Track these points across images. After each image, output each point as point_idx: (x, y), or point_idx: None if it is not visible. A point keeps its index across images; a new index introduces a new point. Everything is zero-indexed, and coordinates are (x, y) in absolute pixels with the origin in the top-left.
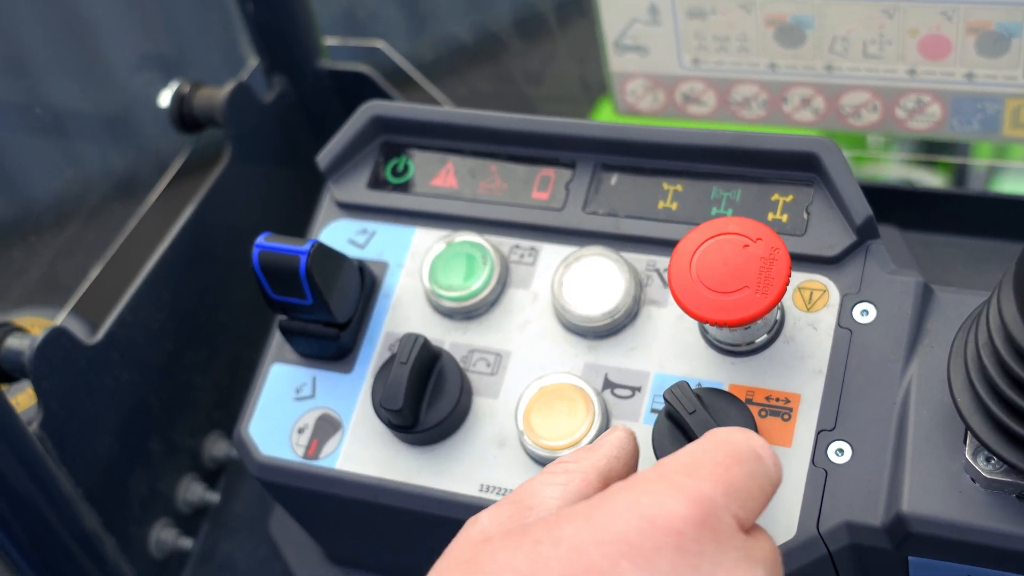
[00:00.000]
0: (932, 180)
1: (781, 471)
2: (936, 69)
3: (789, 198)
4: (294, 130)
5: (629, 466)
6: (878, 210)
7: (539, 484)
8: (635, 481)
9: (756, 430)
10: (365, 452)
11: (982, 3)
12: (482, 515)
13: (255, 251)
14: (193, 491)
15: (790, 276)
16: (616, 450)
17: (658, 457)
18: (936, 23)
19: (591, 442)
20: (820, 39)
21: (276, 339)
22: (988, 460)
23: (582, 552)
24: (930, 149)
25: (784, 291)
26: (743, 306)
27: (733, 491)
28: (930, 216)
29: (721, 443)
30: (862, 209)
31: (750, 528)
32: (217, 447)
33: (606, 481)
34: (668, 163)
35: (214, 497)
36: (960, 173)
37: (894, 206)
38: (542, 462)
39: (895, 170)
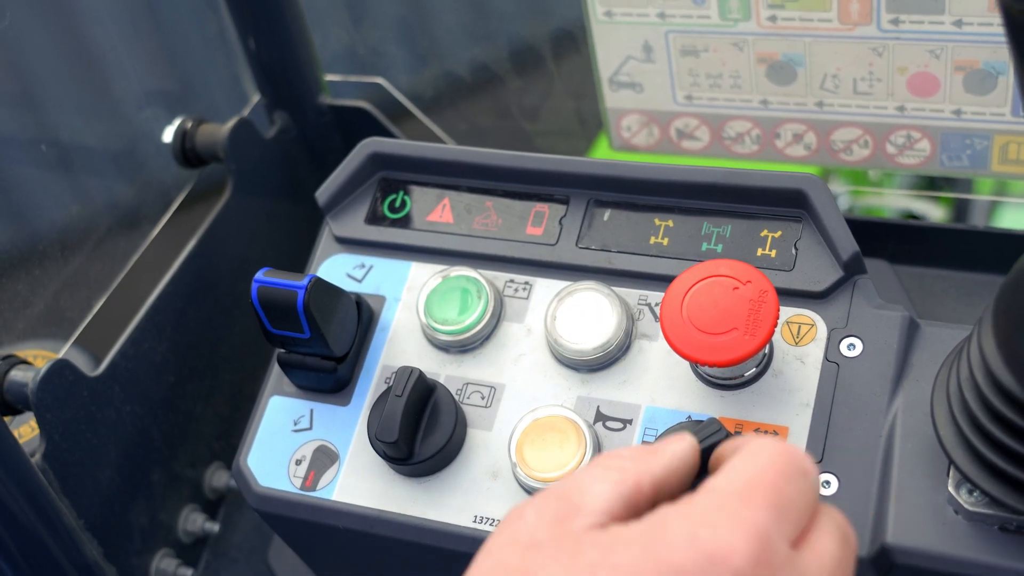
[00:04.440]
0: (933, 211)
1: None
2: (925, 106)
3: (778, 234)
4: (295, 164)
5: (684, 482)
6: (870, 243)
7: (589, 479)
8: (691, 510)
9: None
10: (361, 483)
11: (969, 42)
12: (526, 510)
13: (254, 286)
14: (193, 521)
15: (778, 319)
16: (678, 462)
17: None
18: (924, 61)
19: None
20: (811, 77)
21: (274, 372)
22: (971, 492)
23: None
24: (930, 183)
25: (771, 334)
26: (732, 348)
27: (785, 514)
28: (921, 250)
29: (771, 463)
30: (849, 245)
31: (799, 540)
32: (217, 477)
33: (657, 493)
34: (660, 199)
35: (214, 527)
36: (960, 205)
37: (886, 240)
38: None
39: (897, 201)
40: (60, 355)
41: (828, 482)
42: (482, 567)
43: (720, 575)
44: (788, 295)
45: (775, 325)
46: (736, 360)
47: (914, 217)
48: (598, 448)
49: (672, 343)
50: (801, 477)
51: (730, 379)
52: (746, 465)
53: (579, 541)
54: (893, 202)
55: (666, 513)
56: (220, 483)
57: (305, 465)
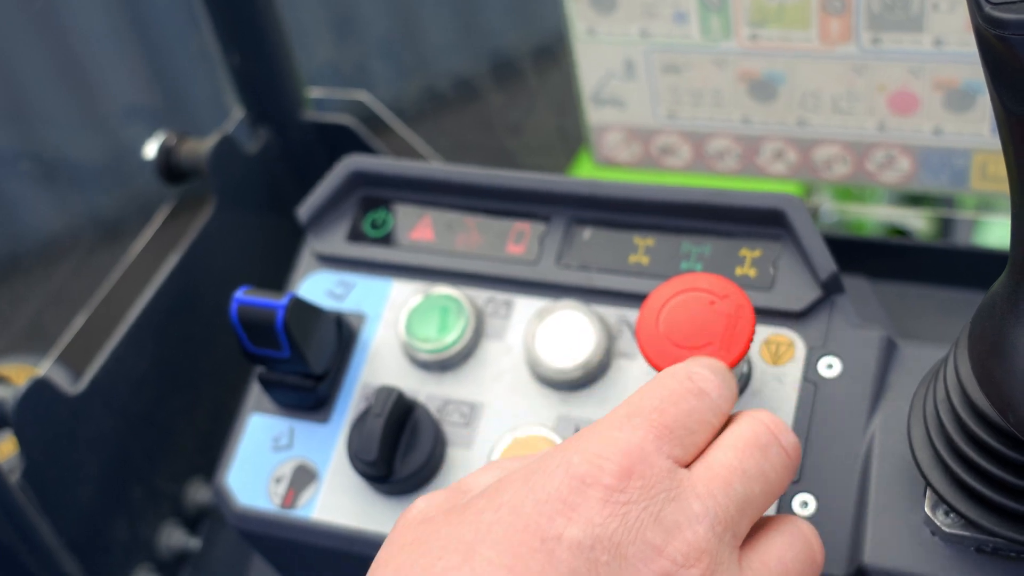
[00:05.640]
0: (918, 224)
1: (733, 398)
2: (905, 124)
3: (757, 253)
4: (278, 181)
5: None
6: (850, 260)
7: (476, 475)
8: (570, 441)
9: None
10: (341, 502)
11: (948, 62)
12: (417, 501)
13: (233, 305)
14: (175, 537)
15: (754, 334)
16: None
17: None
18: (904, 80)
19: None
20: (791, 95)
21: (255, 390)
22: (947, 514)
23: (521, 512)
24: (915, 198)
25: (747, 349)
26: None
27: (669, 432)
28: (902, 266)
29: (659, 385)
30: (827, 264)
31: (695, 461)
32: (199, 493)
33: None
34: (639, 218)
35: (195, 543)
36: (945, 220)
37: (867, 256)
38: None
39: (882, 213)
40: (40, 372)
41: (806, 503)
42: (382, 555)
43: (592, 495)
44: (767, 314)
45: (750, 340)
46: None
47: (898, 230)
48: None
49: (647, 356)
50: (692, 397)
51: None
52: (640, 389)
53: (468, 503)
54: (879, 213)
55: (547, 449)
56: (201, 498)
57: (285, 483)
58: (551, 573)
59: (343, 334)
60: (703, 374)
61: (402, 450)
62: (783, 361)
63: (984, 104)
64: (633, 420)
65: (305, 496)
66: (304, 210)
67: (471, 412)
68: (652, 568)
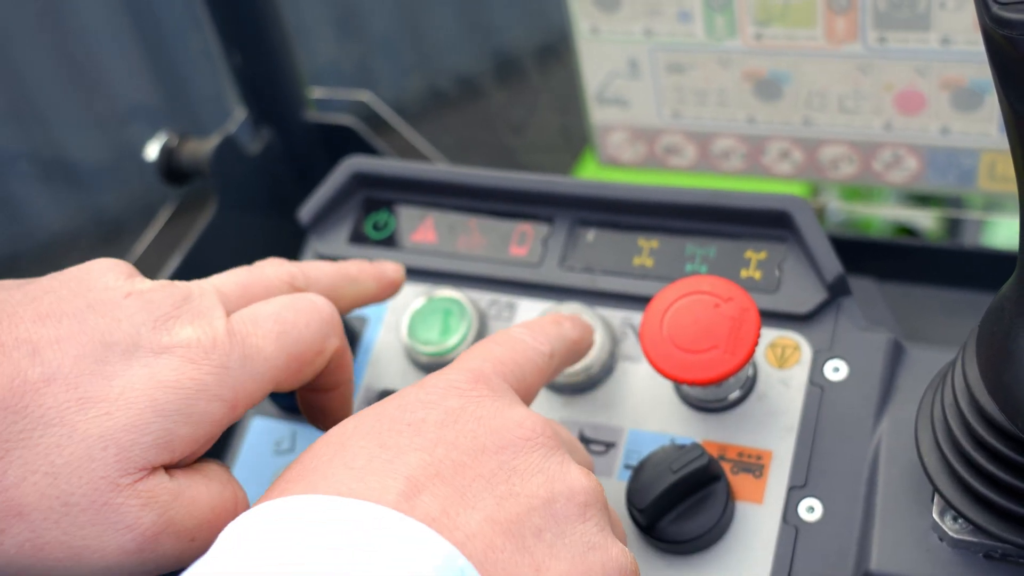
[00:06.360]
0: (925, 223)
1: (547, 343)
2: (912, 124)
3: (762, 255)
4: (280, 181)
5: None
6: (857, 261)
7: None
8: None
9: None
10: None
11: (955, 60)
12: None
13: None
14: None
15: (759, 338)
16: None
17: (632, 513)
18: (910, 79)
19: None
20: (797, 94)
21: None
22: (955, 520)
23: (384, 414)
24: (921, 198)
25: (752, 353)
26: (712, 366)
27: (499, 364)
28: (909, 267)
29: (487, 339)
30: (833, 267)
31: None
32: None
33: None
34: (644, 220)
35: None
36: (953, 219)
37: (874, 257)
38: None
39: (889, 212)
40: None
41: (812, 507)
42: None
43: (448, 392)
44: (772, 317)
45: (756, 343)
46: (715, 379)
47: (906, 229)
48: None
49: (651, 359)
50: (512, 341)
51: (714, 402)
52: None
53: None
54: (886, 213)
55: None
56: None
57: None
58: (420, 442)
59: (345, 337)
60: (520, 329)
61: None
62: (789, 364)
63: (992, 103)
64: (467, 357)
65: None
66: (306, 211)
67: None
68: (516, 434)
